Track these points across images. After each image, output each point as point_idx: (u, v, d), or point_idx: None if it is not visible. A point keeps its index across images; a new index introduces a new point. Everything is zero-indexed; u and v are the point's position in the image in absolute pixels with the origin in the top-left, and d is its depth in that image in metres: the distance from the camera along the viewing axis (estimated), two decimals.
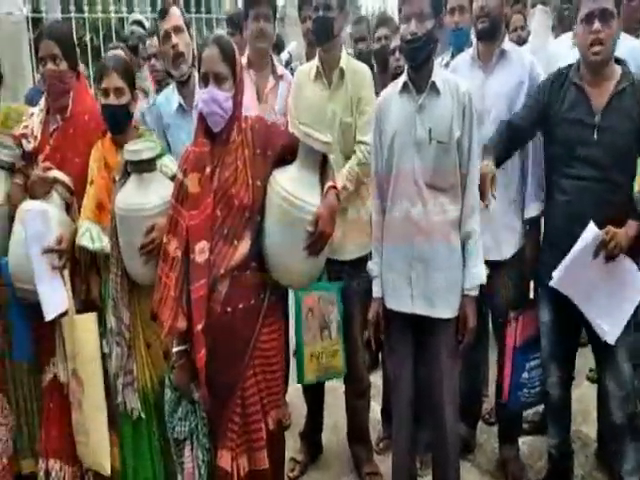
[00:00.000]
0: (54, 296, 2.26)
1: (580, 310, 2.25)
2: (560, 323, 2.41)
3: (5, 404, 2.59)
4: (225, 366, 1.98)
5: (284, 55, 4.88)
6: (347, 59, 2.62)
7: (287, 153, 1.99)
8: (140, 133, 2.36)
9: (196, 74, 2.61)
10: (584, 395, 2.98)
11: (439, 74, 2.17)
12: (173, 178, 2.14)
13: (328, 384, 2.90)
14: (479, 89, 2.47)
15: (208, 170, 1.95)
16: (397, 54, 2.91)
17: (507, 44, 2.56)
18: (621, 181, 2.20)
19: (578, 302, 2.22)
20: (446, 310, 2.20)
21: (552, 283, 2.23)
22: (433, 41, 2.11)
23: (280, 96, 2.84)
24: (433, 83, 2.13)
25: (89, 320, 2.29)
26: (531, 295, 2.66)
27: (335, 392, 3.00)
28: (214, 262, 1.93)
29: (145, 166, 2.13)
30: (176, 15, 2.62)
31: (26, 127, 2.46)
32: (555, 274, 2.21)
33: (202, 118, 1.98)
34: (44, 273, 2.24)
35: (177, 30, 2.59)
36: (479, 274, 2.18)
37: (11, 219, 2.38)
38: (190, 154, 1.99)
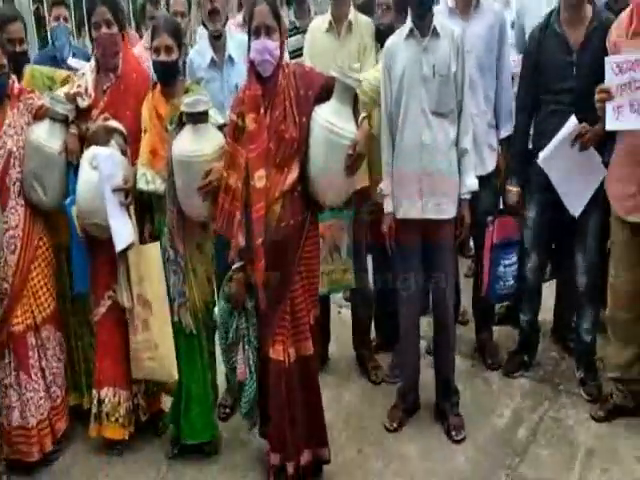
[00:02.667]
0: (124, 230, 2.58)
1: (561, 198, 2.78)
2: (544, 219, 2.97)
3: (63, 341, 2.90)
4: (279, 272, 2.36)
5: None
6: (355, 14, 3.03)
7: (324, 92, 2.34)
8: (187, 87, 2.66)
9: (226, 29, 2.96)
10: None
11: (437, 21, 2.60)
12: (220, 128, 2.48)
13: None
14: None
15: (262, 110, 2.31)
16: (381, 11, 3.01)
17: None
18: (593, 102, 2.60)
19: (554, 180, 2.76)
20: (449, 212, 2.70)
21: (539, 161, 2.75)
22: None
23: None
24: (435, 28, 2.58)
25: (155, 248, 2.63)
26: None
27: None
28: (269, 187, 2.31)
29: (200, 117, 2.41)
30: None
31: (79, 86, 2.69)
32: (541, 154, 2.74)
33: (253, 65, 2.31)
34: (115, 209, 2.56)
35: None
36: (472, 183, 2.71)
37: (67, 165, 2.68)
38: (245, 98, 2.34)
